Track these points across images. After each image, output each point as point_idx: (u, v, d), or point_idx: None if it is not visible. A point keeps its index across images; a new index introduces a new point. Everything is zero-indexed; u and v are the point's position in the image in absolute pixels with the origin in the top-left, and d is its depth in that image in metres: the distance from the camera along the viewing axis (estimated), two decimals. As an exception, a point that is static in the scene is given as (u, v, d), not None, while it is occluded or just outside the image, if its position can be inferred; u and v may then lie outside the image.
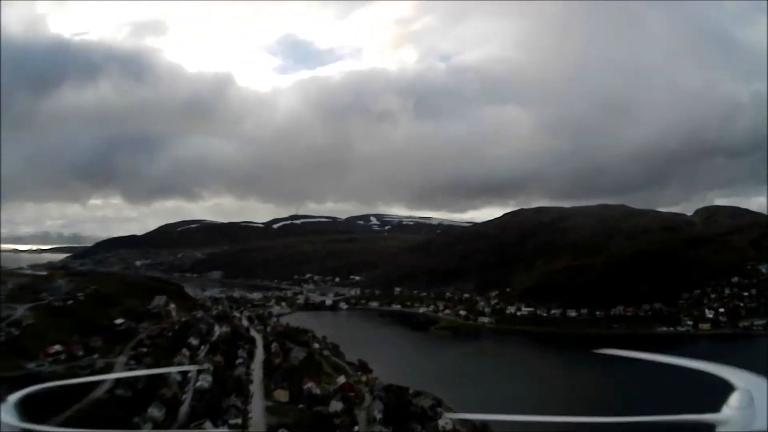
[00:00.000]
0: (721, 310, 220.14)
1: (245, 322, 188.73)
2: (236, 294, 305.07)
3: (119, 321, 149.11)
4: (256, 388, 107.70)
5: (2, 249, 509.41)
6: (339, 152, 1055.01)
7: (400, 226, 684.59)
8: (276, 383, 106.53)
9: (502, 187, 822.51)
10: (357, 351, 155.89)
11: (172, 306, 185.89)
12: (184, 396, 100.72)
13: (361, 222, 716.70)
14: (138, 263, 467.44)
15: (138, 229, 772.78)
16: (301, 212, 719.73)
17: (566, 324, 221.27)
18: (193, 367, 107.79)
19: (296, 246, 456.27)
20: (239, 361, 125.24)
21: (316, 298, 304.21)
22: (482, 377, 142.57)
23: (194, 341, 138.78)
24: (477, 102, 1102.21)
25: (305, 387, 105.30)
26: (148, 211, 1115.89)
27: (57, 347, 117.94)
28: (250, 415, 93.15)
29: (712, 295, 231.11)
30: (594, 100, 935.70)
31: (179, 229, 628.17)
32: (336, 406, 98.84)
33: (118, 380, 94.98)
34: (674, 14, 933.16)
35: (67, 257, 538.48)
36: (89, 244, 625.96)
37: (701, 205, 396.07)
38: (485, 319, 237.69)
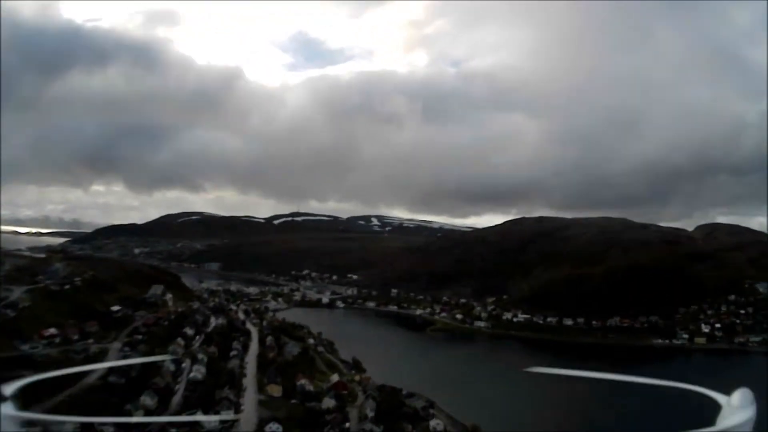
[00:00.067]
0: (718, 325, 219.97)
1: (241, 315, 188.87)
2: (233, 287, 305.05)
3: (116, 308, 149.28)
4: (249, 381, 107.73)
5: (2, 231, 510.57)
6: (344, 152, 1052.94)
7: (400, 228, 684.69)
8: (269, 378, 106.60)
9: (504, 195, 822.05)
10: (352, 349, 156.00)
11: (169, 296, 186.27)
12: (177, 386, 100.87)
13: (362, 222, 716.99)
14: (136, 251, 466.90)
15: (139, 217, 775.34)
16: (302, 210, 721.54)
17: (562, 332, 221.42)
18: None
19: (295, 242, 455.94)
20: (233, 353, 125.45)
21: (312, 295, 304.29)
22: (474, 379, 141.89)
23: (189, 331, 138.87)
24: (485, 108, 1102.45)
25: (298, 383, 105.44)
26: (150, 200, 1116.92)
27: (52, 330, 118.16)
28: (242, 407, 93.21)
29: (709, 311, 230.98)
30: (601, 112, 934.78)
31: (180, 220, 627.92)
32: (328, 402, 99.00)
33: (111, 367, 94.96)
34: (685, 32, 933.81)
35: (66, 242, 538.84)
36: (89, 230, 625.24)
37: (703, 221, 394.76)
38: (481, 323, 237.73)
